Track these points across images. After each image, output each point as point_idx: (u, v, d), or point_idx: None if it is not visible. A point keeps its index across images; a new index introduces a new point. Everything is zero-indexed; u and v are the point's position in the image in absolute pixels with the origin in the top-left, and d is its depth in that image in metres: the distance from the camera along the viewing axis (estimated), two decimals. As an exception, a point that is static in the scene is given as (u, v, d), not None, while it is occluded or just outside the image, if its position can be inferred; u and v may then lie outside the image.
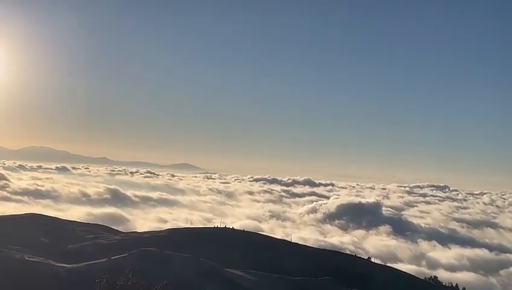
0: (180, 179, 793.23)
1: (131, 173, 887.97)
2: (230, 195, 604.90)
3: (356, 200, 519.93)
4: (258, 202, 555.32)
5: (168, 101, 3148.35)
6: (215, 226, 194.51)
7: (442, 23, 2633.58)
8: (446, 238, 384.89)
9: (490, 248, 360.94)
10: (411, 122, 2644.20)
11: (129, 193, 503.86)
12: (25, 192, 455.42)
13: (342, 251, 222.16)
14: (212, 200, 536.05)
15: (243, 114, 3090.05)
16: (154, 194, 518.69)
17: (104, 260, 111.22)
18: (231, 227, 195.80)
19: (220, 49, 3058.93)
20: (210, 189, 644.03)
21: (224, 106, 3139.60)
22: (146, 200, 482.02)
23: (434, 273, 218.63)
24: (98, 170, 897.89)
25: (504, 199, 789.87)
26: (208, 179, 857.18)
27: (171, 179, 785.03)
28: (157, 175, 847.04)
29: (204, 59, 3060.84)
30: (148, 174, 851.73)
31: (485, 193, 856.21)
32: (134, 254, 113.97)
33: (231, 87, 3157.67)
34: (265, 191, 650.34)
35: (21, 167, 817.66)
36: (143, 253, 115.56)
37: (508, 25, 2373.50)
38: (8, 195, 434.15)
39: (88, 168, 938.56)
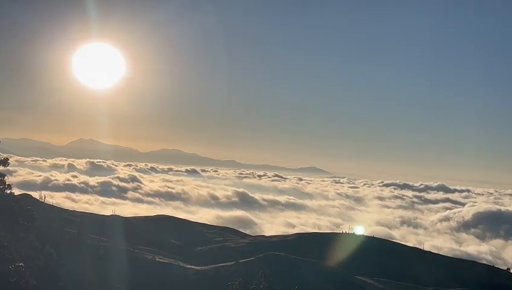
0: (308, 183, 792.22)
1: (259, 176, 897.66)
2: (359, 200, 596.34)
3: (494, 207, 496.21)
4: (389, 207, 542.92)
5: (297, 103, 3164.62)
6: (344, 231, 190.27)
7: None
8: None
9: None
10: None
11: (257, 196, 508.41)
12: (156, 194, 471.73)
13: (479, 261, 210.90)
14: (340, 205, 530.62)
15: (373, 116, 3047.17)
16: (282, 198, 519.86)
17: (232, 263, 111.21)
18: (360, 233, 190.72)
19: (347, 44, 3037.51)
20: (338, 193, 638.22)
21: (353, 108, 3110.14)
22: (274, 203, 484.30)
23: None
24: (226, 173, 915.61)
25: None
26: (336, 183, 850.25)
27: (298, 183, 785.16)
28: (285, 179, 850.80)
29: (335, 60, 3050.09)
30: (276, 178, 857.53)
31: None
32: (261, 258, 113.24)
33: (362, 89, 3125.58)
34: (396, 197, 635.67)
35: (152, 169, 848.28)
36: (270, 257, 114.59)
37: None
38: (140, 196, 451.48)
39: (217, 171, 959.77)
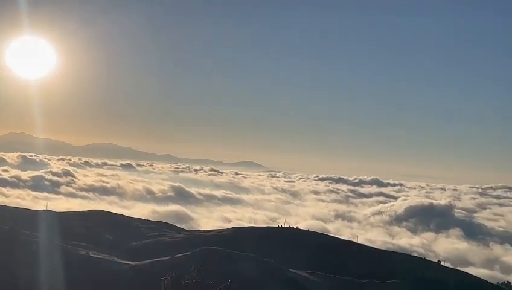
0: (245, 177, 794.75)
1: (196, 170, 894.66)
2: (295, 194, 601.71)
3: (426, 201, 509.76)
4: (324, 201, 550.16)
5: (233, 98, 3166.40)
6: (280, 225, 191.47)
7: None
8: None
9: None
10: (483, 120, 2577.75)
11: (193, 190, 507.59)
12: (91, 188, 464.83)
13: (411, 254, 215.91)
14: (276, 199, 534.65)
15: (308, 111, 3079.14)
16: (218, 192, 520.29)
17: (168, 257, 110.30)
18: (296, 227, 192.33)
19: (283, 41, 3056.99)
20: (274, 188, 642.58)
21: (289, 103, 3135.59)
22: (210, 198, 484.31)
23: (508, 278, 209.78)
24: (162, 167, 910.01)
25: None
26: (273, 177, 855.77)
27: (235, 177, 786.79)
28: (221, 173, 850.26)
29: (269, 54, 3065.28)
30: (212, 172, 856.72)
31: None
32: (197, 253, 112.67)
33: (296, 83, 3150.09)
34: (331, 191, 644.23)
35: (86, 163, 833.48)
36: (206, 252, 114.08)
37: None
38: (74, 191, 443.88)
39: (152, 165, 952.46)
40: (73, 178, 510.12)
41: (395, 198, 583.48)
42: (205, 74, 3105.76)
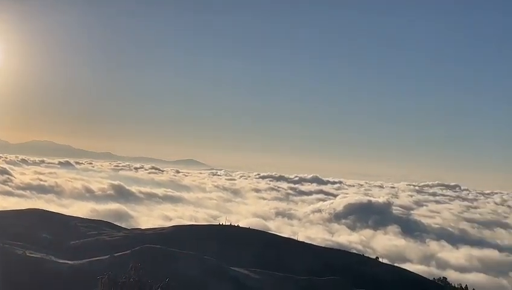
0: (186, 176, 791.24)
1: (136, 168, 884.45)
2: (236, 192, 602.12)
3: (365, 199, 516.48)
4: (264, 199, 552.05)
5: (174, 95, 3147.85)
6: (221, 223, 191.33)
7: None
8: (456, 239, 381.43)
9: (501, 248, 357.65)
10: (421, 119, 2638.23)
11: (133, 189, 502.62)
12: (28, 187, 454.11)
13: (350, 251, 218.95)
14: (217, 197, 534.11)
15: (249, 109, 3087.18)
16: (159, 191, 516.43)
17: (107, 256, 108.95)
18: (236, 225, 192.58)
19: (226, 42, 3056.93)
20: (216, 186, 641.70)
21: (230, 101, 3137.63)
22: (151, 196, 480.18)
23: (443, 274, 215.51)
24: (101, 165, 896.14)
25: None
26: (214, 175, 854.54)
27: (176, 175, 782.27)
28: (162, 171, 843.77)
29: (211, 54, 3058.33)
30: (153, 170, 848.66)
31: (496, 193, 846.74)
32: (137, 251, 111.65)
33: (237, 82, 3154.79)
34: (272, 189, 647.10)
35: (23, 161, 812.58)
36: (146, 250, 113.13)
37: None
38: (11, 190, 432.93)
39: (92, 163, 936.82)
40: (9, 176, 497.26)
41: (335, 196, 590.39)
42: (146, 72, 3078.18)
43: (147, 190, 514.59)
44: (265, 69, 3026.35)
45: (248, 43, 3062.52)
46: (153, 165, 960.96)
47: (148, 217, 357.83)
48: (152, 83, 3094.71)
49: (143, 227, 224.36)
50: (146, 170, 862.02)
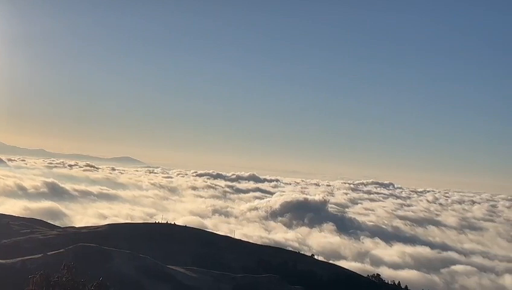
0: (121, 173, 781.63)
1: (70, 166, 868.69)
2: (173, 190, 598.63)
3: (301, 197, 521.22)
4: (202, 197, 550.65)
5: (110, 92, 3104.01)
6: (157, 222, 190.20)
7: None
8: (389, 236, 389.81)
9: (433, 246, 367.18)
10: (356, 119, 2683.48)
11: (68, 186, 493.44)
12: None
13: (286, 248, 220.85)
14: (154, 195, 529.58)
15: (187, 108, 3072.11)
16: (94, 189, 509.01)
17: (40, 255, 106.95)
18: (173, 223, 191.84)
19: (158, 41, 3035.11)
20: (152, 183, 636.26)
21: (168, 99, 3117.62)
22: (85, 194, 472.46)
23: (377, 270, 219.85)
24: (35, 163, 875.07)
25: (447, 197, 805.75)
26: (150, 173, 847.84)
27: (111, 173, 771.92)
28: (97, 168, 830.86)
29: (146, 53, 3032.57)
30: (88, 168, 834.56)
31: (428, 191, 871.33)
32: (71, 250, 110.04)
33: (173, 80, 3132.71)
34: (209, 187, 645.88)
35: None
36: (80, 249, 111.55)
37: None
38: None
39: (24, 160, 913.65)
40: None
41: (272, 193, 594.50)
42: (81, 70, 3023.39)
43: (82, 187, 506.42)
44: (199, 67, 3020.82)
45: (179, 43, 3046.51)
46: (88, 162, 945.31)
47: (83, 216, 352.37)
48: (87, 80, 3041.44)
49: (77, 225, 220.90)
50: (80, 167, 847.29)
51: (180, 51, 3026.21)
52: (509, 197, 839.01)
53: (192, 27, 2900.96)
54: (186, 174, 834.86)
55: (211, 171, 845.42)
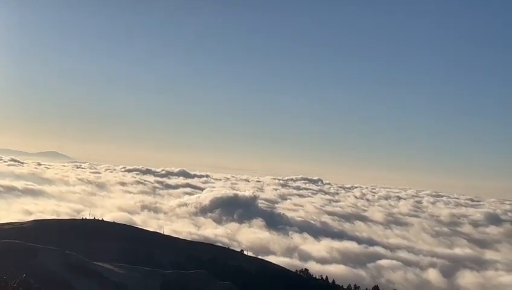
0: (48, 168, 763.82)
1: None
2: (101, 186, 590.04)
3: (231, 192, 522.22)
4: (130, 193, 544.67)
5: (34, 84, 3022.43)
6: (84, 218, 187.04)
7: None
8: (318, 231, 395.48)
9: (360, 241, 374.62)
10: (284, 115, 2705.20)
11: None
12: None
13: (215, 244, 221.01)
14: (82, 190, 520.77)
15: (115, 100, 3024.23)
16: (19, 184, 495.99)
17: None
18: (101, 219, 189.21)
19: (81, 34, 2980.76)
20: (80, 179, 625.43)
21: (95, 93, 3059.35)
22: (10, 189, 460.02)
23: (305, 265, 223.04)
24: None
25: (374, 192, 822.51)
26: (78, 168, 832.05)
27: (37, 168, 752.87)
28: (22, 163, 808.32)
29: (72, 47, 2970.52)
30: (13, 162, 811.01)
31: (356, 187, 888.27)
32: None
33: (99, 75, 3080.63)
34: (138, 182, 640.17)
35: None
36: (4, 245, 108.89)
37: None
38: None
39: None
40: None
41: (202, 189, 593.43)
42: (4, 61, 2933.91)
43: (6, 182, 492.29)
44: (127, 60, 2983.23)
45: (106, 38, 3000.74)
46: (13, 157, 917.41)
47: (7, 212, 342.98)
48: (11, 72, 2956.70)
49: (1, 222, 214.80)
50: (5, 162, 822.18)
51: (103, 46, 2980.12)
52: (433, 193, 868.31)
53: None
54: (115, 170, 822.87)
55: (140, 167, 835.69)
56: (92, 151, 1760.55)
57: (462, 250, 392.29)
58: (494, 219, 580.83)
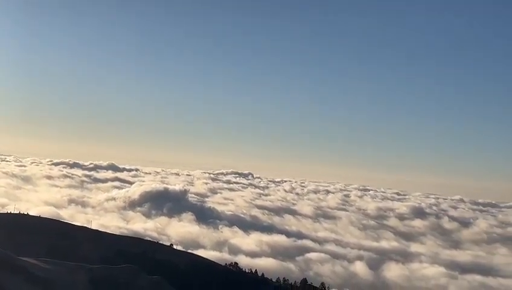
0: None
1: None
2: (26, 179, 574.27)
3: (161, 186, 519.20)
4: (57, 187, 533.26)
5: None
6: (9, 212, 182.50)
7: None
8: (248, 225, 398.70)
9: (289, 234, 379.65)
10: (213, 108, 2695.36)
11: None
12: None
13: (144, 238, 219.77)
14: (6, 184, 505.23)
15: (40, 92, 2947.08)
16: None
17: None
18: (26, 213, 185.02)
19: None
20: (4, 172, 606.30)
21: (22, 83, 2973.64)
22: None
23: (235, 259, 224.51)
24: None
25: (303, 186, 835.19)
26: (2, 161, 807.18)
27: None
28: None
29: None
30: None
31: (286, 181, 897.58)
32: None
33: (31, 64, 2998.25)
34: (66, 176, 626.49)
35: None
36: None
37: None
38: None
39: None
40: None
41: (131, 183, 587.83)
42: None
43: None
44: (55, 53, 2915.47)
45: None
46: None
47: None
48: None
49: None
50: None
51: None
52: (360, 187, 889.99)
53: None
54: (41, 163, 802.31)
55: (67, 160, 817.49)
56: (17, 144, 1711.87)
57: (388, 243, 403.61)
58: (419, 213, 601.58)
